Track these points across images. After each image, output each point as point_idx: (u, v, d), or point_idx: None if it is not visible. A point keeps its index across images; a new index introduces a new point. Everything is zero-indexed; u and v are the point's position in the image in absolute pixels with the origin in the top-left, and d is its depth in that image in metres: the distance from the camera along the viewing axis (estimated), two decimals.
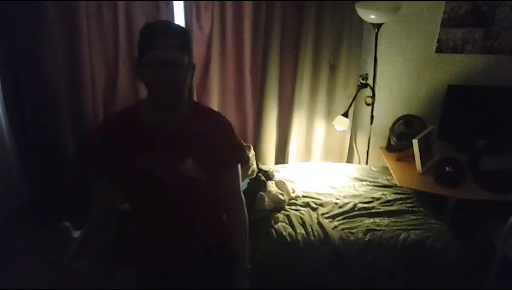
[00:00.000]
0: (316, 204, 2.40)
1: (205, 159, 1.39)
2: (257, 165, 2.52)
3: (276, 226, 2.20)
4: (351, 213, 2.32)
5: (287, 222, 2.25)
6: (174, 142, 1.37)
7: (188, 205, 1.45)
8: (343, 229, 2.19)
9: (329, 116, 2.86)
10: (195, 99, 2.72)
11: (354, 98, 2.76)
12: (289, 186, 2.47)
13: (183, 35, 1.29)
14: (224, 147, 1.43)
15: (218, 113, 1.48)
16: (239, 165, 1.51)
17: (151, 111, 1.35)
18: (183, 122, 1.37)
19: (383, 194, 2.49)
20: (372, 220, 2.26)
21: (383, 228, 2.19)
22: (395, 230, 2.18)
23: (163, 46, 1.24)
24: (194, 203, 1.46)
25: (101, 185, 1.43)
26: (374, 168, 2.83)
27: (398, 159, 2.75)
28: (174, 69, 1.25)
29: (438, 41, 2.78)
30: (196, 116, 1.40)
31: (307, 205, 2.39)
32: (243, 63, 2.67)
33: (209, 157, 1.39)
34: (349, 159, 3.06)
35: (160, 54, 1.23)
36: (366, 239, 2.13)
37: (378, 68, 2.74)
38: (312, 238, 2.14)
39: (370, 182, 2.64)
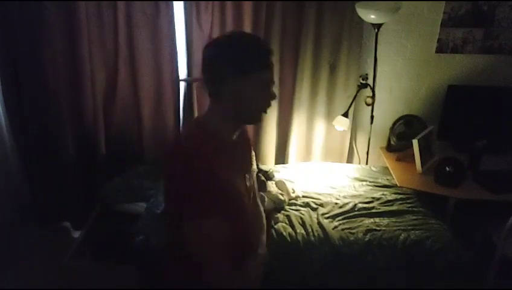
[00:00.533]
0: (316, 204, 2.39)
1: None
2: (257, 165, 2.52)
3: (276, 226, 2.20)
4: (351, 213, 2.32)
5: (287, 222, 2.24)
6: (245, 154, 1.43)
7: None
8: (343, 229, 2.19)
9: (329, 116, 2.86)
10: (195, 100, 2.72)
11: (354, 98, 2.76)
12: (289, 186, 2.47)
13: None
14: (252, 152, 1.51)
15: None
16: None
17: (225, 128, 1.28)
18: (242, 135, 1.39)
19: (383, 194, 2.49)
20: (372, 220, 2.26)
21: (383, 228, 2.19)
22: (395, 230, 2.18)
23: (272, 66, 1.24)
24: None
25: (218, 224, 1.19)
26: (374, 168, 2.83)
27: (398, 159, 2.75)
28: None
29: (438, 41, 2.78)
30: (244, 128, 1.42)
31: (307, 205, 2.39)
32: None
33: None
34: (349, 159, 3.06)
35: (270, 74, 1.24)
36: (366, 239, 2.13)
37: (378, 68, 2.74)
38: (312, 238, 2.14)
39: (370, 182, 2.64)
